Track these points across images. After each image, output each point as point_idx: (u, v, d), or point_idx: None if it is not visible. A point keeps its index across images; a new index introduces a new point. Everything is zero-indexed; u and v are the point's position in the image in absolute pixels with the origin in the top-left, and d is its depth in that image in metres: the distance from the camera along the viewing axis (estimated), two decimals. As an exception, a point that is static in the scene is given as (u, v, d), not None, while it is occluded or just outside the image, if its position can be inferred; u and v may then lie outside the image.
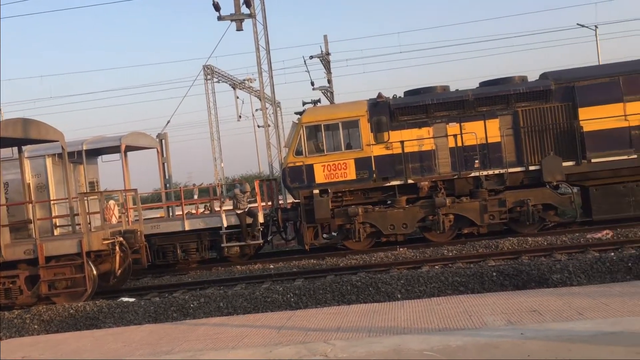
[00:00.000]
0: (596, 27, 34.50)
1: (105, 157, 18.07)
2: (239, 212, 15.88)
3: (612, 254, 11.49)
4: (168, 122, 22.90)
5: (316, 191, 15.62)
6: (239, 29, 20.37)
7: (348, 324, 7.19)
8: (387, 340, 6.18)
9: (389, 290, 10.54)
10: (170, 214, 19.86)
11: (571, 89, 15.10)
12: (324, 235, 16.41)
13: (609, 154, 14.77)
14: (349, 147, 15.86)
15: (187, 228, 16.26)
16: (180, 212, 17.28)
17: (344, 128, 15.85)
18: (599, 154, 14.79)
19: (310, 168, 15.75)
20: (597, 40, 34.62)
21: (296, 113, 17.22)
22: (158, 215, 22.51)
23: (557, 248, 12.76)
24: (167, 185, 19.70)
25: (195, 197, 23.54)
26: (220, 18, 20.12)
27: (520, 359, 5.10)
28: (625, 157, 14.70)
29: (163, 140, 19.56)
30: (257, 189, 16.75)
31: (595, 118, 14.73)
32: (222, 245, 16.09)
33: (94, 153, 17.33)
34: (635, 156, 14.66)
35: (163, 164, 19.51)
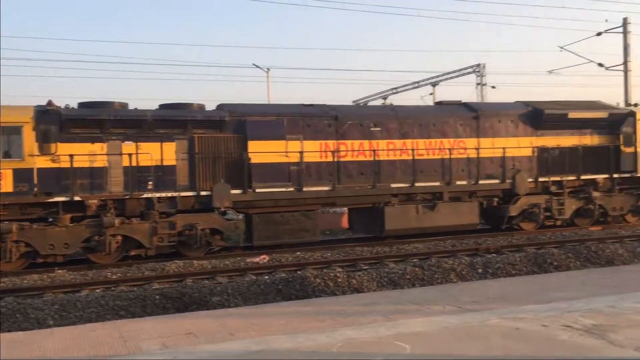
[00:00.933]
0: (268, 69, 38.18)
1: None
2: None
3: (267, 277, 12.61)
4: None
5: (-39, 203, 13.43)
6: None
7: (-17, 358, 6.25)
8: (29, 374, 5.56)
9: (40, 316, 9.60)
10: None
11: (243, 122, 16.26)
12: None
13: (271, 185, 16.27)
14: (7, 155, 14.10)
15: None
16: None
17: (3, 134, 14.07)
18: (263, 184, 16.19)
19: (-46, 175, 13.49)
20: (268, 81, 38.30)
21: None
22: None
23: (220, 271, 13.41)
24: None
25: None
26: None
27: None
28: (284, 189, 16.40)
29: None
30: None
31: (261, 152, 16.12)
32: None
33: None
34: (292, 189, 16.47)
35: None
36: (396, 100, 40.43)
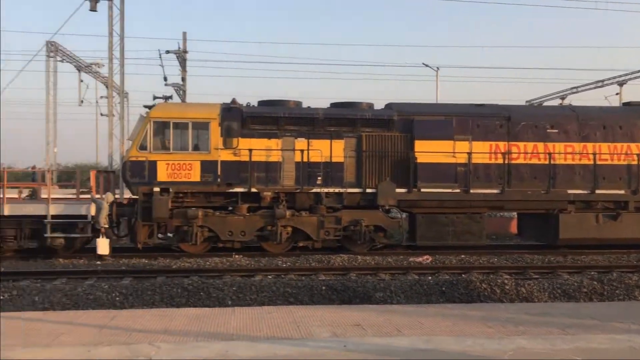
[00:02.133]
0: (438, 68, 37.62)
1: None
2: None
3: (430, 277, 12.49)
4: (-3, 95, 20.74)
5: (157, 189, 15.08)
6: (93, 9, 19.14)
7: (176, 327, 7.01)
8: (214, 346, 6.12)
9: (220, 296, 10.46)
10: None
11: (411, 121, 16.24)
12: (159, 235, 15.87)
13: (436, 186, 16.07)
14: (196, 148, 15.56)
15: (6, 213, 14.79)
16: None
17: (193, 128, 15.54)
18: (429, 184, 16.04)
19: (153, 165, 15.19)
20: (437, 81, 37.75)
21: (145, 106, 16.53)
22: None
23: (383, 268, 13.57)
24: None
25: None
26: (72, -7, 18.73)
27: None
28: (450, 190, 16.10)
29: (-11, 114, 17.65)
30: (92, 181, 15.76)
31: (428, 151, 15.97)
32: (46, 235, 14.87)
33: None
34: (458, 190, 16.12)
35: (-15, 140, 17.57)
36: (576, 100, 37.57)
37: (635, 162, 16.30)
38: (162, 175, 15.20)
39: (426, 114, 16.52)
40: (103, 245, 14.59)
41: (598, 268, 13.58)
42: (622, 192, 16.34)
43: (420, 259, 14.86)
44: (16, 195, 18.90)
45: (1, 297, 9.83)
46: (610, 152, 16.39)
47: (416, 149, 16.03)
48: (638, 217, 16.25)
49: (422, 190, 16.04)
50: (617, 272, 12.93)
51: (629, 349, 5.91)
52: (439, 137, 16.18)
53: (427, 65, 37.64)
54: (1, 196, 15.32)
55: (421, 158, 16.02)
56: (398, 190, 15.92)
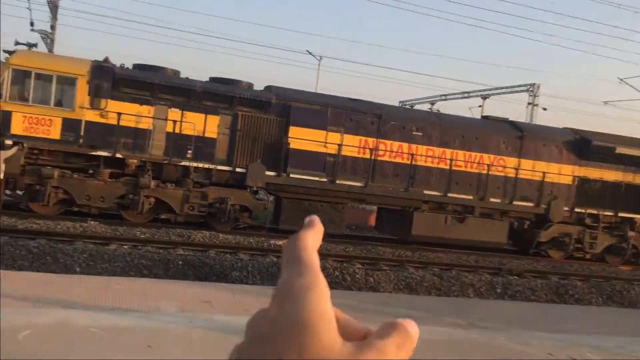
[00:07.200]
0: (321, 58, 38.27)
1: None
2: None
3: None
4: None
5: (9, 142, 13.99)
6: None
7: (14, 292, 6.63)
8: (53, 313, 5.89)
9: (68, 262, 10.02)
10: None
11: (288, 107, 16.45)
12: (7, 192, 14.77)
13: (305, 173, 16.46)
14: (59, 104, 14.62)
15: None
16: None
17: (58, 82, 14.58)
18: (298, 170, 16.39)
19: (7, 115, 14.05)
20: (319, 70, 38.26)
21: (5, 51, 15.22)
22: None
23: (243, 248, 13.68)
24: None
25: None
26: None
27: (184, 345, 5.38)
28: (317, 178, 16.58)
29: None
30: None
31: (301, 138, 16.30)
32: None
33: None
34: (325, 179, 16.64)
35: None
36: (444, 107, 40.06)
37: (485, 172, 17.79)
38: (17, 127, 14.13)
39: (304, 101, 16.82)
40: None
41: (441, 265, 14.70)
42: (471, 197, 17.77)
43: (281, 242, 15.17)
44: None
45: None
46: (464, 160, 17.74)
47: (290, 135, 16.27)
48: (482, 222, 17.78)
49: (291, 175, 16.33)
50: (456, 270, 14.11)
51: (448, 341, 6.54)
52: (313, 125, 16.54)
53: (310, 53, 38.19)
54: None
55: (293, 144, 16.30)
56: (268, 172, 16.09)
